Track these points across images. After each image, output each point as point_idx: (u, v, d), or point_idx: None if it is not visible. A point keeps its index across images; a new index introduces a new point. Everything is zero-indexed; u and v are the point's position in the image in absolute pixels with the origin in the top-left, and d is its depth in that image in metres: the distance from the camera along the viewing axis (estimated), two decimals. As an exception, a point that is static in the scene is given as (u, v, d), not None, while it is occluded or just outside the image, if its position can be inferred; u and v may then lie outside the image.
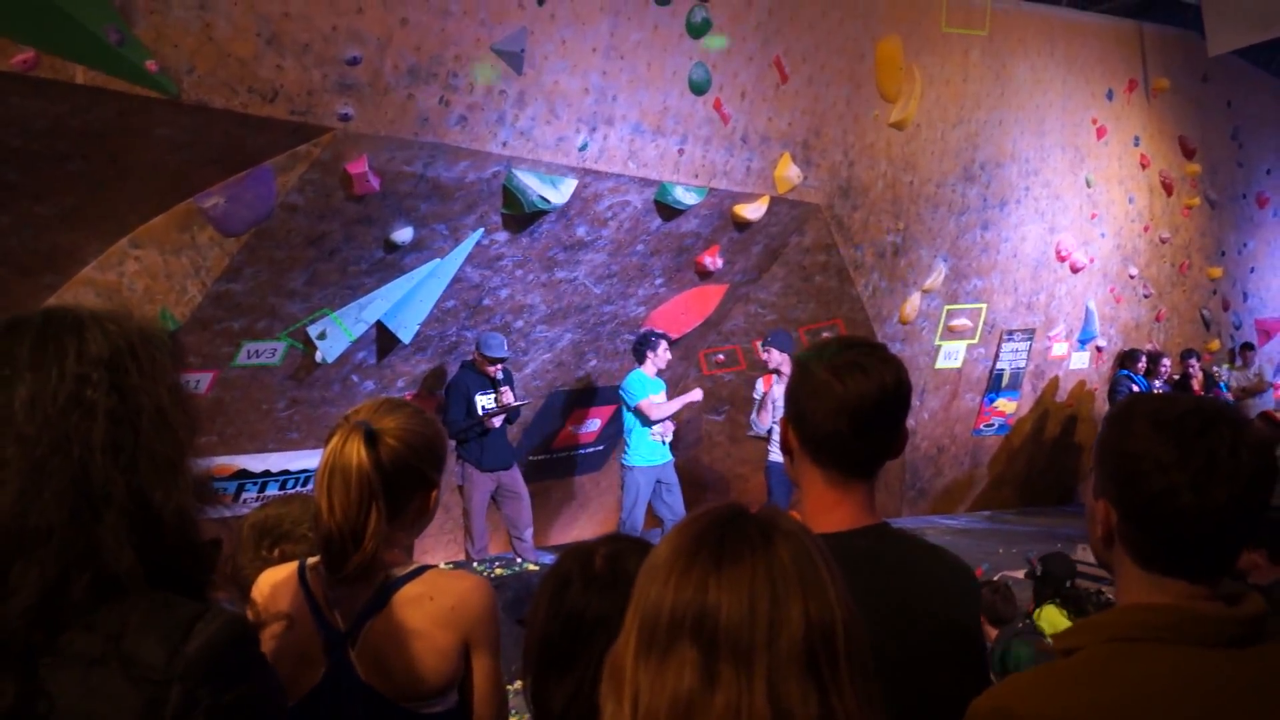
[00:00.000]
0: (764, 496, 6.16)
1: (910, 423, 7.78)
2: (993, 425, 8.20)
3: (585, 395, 6.93)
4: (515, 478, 5.80)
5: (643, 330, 6.34)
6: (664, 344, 6.02)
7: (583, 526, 7.54)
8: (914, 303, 7.26)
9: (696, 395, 6.06)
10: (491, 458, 5.61)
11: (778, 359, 6.03)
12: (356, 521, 1.38)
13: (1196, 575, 1.06)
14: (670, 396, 6.26)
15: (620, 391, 6.06)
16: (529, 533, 5.75)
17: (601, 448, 7.41)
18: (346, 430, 1.42)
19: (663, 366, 6.09)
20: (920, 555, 1.34)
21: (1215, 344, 9.49)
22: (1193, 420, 1.04)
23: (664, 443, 5.99)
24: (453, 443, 5.87)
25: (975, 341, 7.78)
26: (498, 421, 5.59)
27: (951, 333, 7.63)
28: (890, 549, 1.31)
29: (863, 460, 1.32)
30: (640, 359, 6.05)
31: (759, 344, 6.30)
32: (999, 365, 7.97)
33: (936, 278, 7.30)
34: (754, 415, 6.10)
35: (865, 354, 1.32)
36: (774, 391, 6.01)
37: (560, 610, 1.24)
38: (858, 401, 1.29)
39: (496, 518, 5.90)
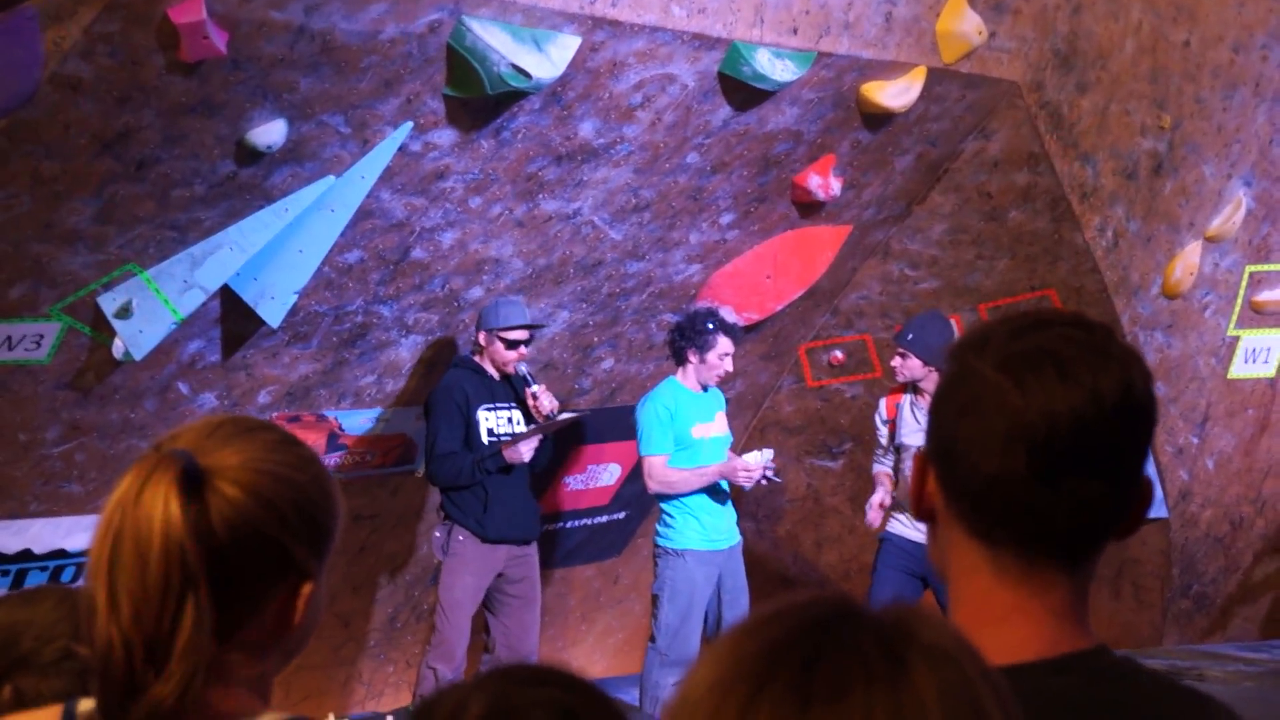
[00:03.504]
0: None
1: (1182, 475, 7.95)
2: (1335, 483, 8.19)
3: (593, 421, 6.98)
4: (532, 564, 5.98)
5: (694, 307, 6.38)
6: (722, 335, 6.01)
7: (586, 659, 7.57)
8: (1190, 260, 7.27)
9: (746, 468, 5.96)
10: (502, 521, 5.79)
11: (918, 368, 6.07)
12: (157, 627, 1.36)
13: None
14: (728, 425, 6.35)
15: (636, 414, 6.13)
16: None
17: (622, 515, 7.49)
18: (148, 466, 1.42)
19: (720, 376, 6.11)
20: (1170, 710, 1.34)
21: None
22: None
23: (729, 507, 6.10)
24: (434, 491, 5.99)
25: (1303, 331, 7.81)
26: (527, 453, 5.75)
27: (1260, 314, 7.68)
28: (1111, 696, 1.32)
29: (1057, 531, 1.33)
30: (680, 358, 6.08)
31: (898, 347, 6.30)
32: (1347, 375, 7.99)
33: (1232, 216, 7.31)
34: (878, 490, 6.16)
35: (1066, 339, 1.33)
36: (906, 424, 6.12)
37: None
38: (1046, 424, 1.29)
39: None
